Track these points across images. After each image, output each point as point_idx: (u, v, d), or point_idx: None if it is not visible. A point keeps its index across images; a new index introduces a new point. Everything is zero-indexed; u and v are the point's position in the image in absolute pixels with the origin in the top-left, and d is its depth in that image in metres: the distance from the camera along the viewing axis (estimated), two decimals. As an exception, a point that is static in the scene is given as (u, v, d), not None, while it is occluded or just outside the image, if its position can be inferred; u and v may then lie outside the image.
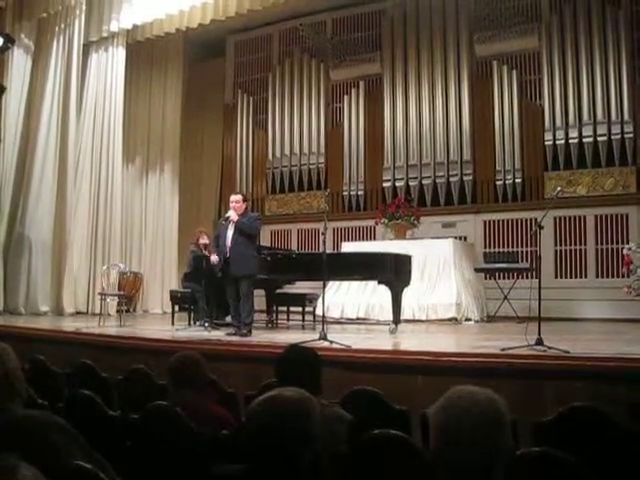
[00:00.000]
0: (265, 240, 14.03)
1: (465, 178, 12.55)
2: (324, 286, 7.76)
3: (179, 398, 3.38)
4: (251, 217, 8.10)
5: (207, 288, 9.23)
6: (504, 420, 1.74)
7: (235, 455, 2.35)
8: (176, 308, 10.27)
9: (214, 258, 8.36)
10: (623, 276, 10.47)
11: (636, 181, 11.33)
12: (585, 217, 11.66)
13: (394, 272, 8.45)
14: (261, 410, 1.98)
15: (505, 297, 10.52)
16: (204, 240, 10.17)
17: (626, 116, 11.33)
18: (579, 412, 3.28)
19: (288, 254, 10.22)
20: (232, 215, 7.82)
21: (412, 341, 7.75)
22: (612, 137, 11.42)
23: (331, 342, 6.25)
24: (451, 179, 12.65)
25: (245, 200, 8.15)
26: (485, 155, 12.51)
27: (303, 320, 9.83)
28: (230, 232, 7.82)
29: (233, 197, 8.08)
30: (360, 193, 13.59)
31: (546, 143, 11.98)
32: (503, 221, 12.34)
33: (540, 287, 6.04)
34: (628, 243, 10.55)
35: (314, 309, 9.86)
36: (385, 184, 13.25)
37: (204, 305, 9.38)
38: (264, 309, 10.09)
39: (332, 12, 14.36)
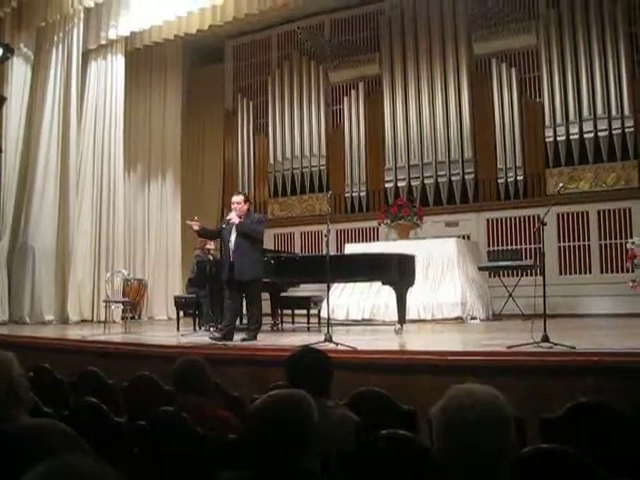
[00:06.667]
0: (268, 243, 14.01)
1: (467, 177, 12.54)
2: (328, 288, 7.71)
3: (184, 403, 3.37)
4: (254, 218, 7.79)
5: (212, 293, 9.21)
6: (506, 417, 1.74)
7: (241, 459, 2.36)
8: (181, 314, 10.27)
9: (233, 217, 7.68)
10: (627, 271, 10.42)
11: (638, 175, 11.31)
12: (588, 213, 11.63)
13: (398, 272, 8.43)
14: (260, 407, 2.08)
15: (510, 295, 10.51)
16: (211, 245, 10.16)
17: (626, 111, 11.31)
18: (587, 408, 3.27)
19: (292, 257, 10.22)
20: (233, 217, 7.58)
21: (418, 341, 7.74)
22: (613, 132, 11.40)
23: (337, 344, 6.23)
24: (453, 178, 12.64)
25: (247, 200, 7.83)
26: (486, 153, 12.49)
27: (308, 322, 9.81)
28: (233, 236, 7.55)
29: (234, 198, 7.79)
30: (362, 194, 13.58)
31: (547, 140, 11.97)
32: (506, 219, 12.32)
33: (545, 284, 6.04)
34: (631, 237, 10.53)
35: (319, 311, 9.82)
36: (387, 185, 13.25)
37: (209, 310, 9.37)
38: (269, 312, 10.07)
39: (330, 14, 14.36)
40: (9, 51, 11.35)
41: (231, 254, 7.56)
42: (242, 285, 7.61)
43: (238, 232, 7.54)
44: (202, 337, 8.15)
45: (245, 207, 7.69)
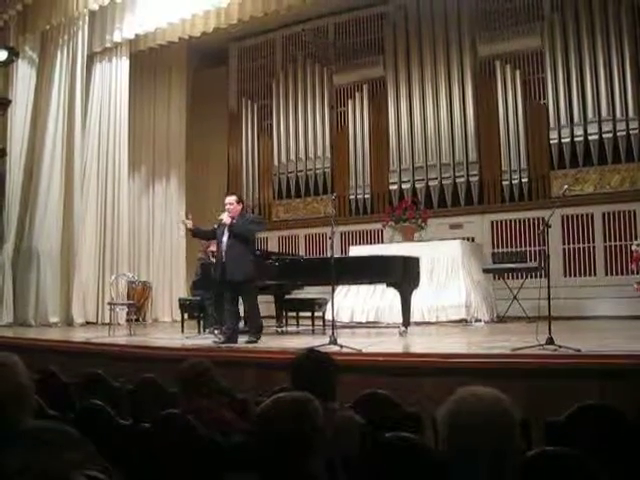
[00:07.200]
0: (273, 246, 14.06)
1: (471, 179, 12.53)
2: (333, 290, 7.71)
3: (189, 405, 3.37)
4: (247, 219, 7.79)
5: (216, 295, 9.20)
6: (511, 420, 1.74)
7: (246, 462, 2.36)
8: (185, 316, 10.27)
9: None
10: (632, 273, 10.41)
11: (643, 177, 11.30)
12: (593, 215, 11.61)
13: (403, 275, 8.42)
14: (265, 410, 2.10)
15: (514, 297, 10.48)
16: (214, 248, 10.14)
17: (631, 113, 11.29)
18: (592, 411, 3.26)
19: (296, 259, 10.21)
20: (225, 218, 7.56)
21: (422, 343, 7.72)
22: (618, 134, 11.37)
23: (341, 346, 6.23)
24: (457, 180, 12.62)
25: (240, 201, 7.79)
26: (491, 155, 12.48)
27: (313, 325, 9.81)
28: (225, 237, 7.54)
29: (227, 199, 7.77)
30: (367, 196, 13.59)
31: (551, 142, 11.95)
32: (510, 221, 12.30)
33: (549, 286, 6.02)
34: (636, 239, 10.52)
35: (323, 314, 9.83)
36: (391, 187, 13.24)
37: (213, 312, 9.36)
38: (273, 315, 10.07)
39: (334, 16, 14.38)
40: (14, 54, 11.40)
41: (223, 255, 7.55)
42: (234, 286, 7.57)
43: (230, 233, 7.52)
44: (206, 339, 8.15)
45: (238, 207, 7.67)
